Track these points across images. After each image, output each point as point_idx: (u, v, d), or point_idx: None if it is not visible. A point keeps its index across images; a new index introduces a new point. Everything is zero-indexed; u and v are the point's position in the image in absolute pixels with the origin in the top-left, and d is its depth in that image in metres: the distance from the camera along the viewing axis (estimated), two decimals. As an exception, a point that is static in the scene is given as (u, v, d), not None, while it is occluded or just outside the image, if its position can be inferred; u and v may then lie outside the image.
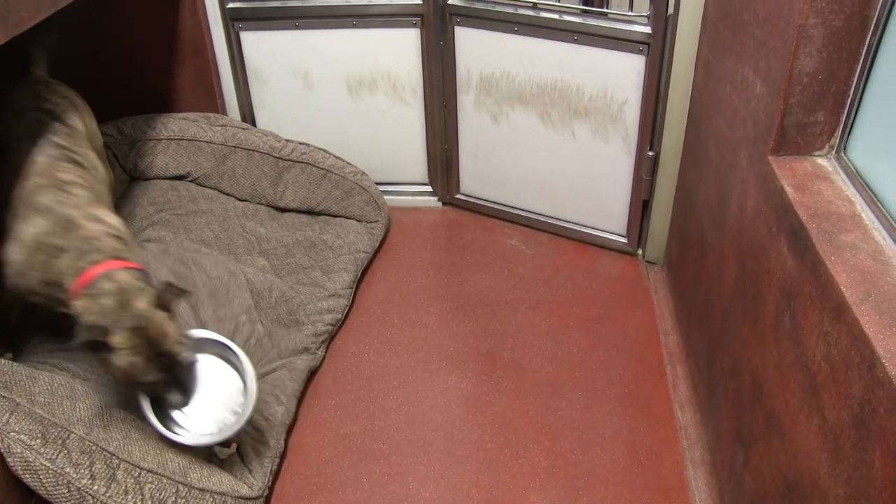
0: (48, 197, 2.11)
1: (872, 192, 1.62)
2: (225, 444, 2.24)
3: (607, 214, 3.29)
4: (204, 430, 2.15)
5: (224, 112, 3.53)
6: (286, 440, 2.42)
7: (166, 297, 2.02)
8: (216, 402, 2.19)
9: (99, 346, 1.89)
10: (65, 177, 2.20)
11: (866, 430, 1.26)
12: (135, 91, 3.42)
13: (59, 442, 1.93)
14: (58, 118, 2.43)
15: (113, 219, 2.20)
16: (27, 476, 1.88)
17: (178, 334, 2.02)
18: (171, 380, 2.04)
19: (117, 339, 1.88)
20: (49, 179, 2.17)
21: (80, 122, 2.52)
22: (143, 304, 1.95)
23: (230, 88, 3.50)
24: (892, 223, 1.52)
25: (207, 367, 2.25)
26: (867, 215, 1.60)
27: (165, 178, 3.37)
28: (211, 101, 3.48)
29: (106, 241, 2.08)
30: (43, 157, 2.23)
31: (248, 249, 3.09)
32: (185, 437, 2.10)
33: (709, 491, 2.24)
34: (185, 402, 2.12)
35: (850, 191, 1.69)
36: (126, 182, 3.34)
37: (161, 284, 2.03)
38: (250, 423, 2.27)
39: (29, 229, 2.06)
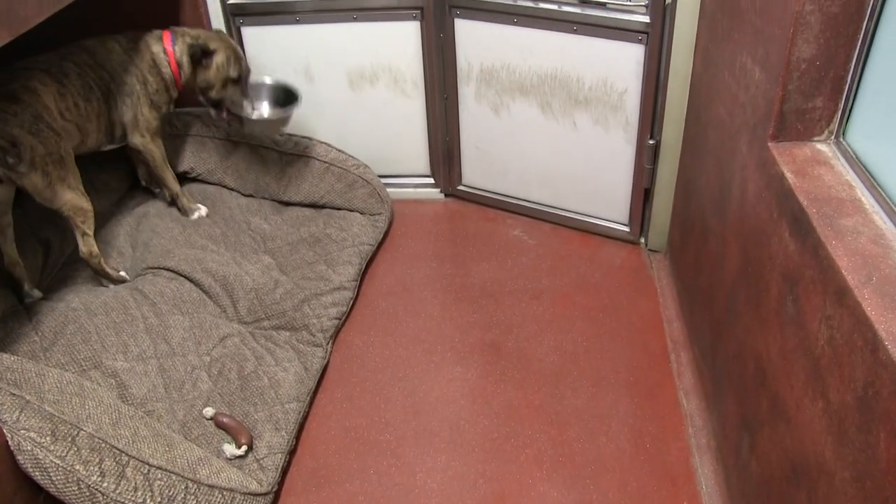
0: None
1: (872, 177, 1.63)
2: (236, 445, 2.27)
3: (609, 203, 3.30)
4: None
5: (226, 108, 3.52)
6: (297, 437, 2.44)
7: None
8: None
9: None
10: None
11: (870, 412, 1.27)
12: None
13: (69, 439, 1.94)
14: None
15: None
16: (37, 474, 1.88)
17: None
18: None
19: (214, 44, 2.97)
20: None
21: None
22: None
23: (232, 84, 3.49)
24: (892, 207, 1.53)
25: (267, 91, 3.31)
26: (867, 199, 1.61)
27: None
28: (213, 96, 3.46)
29: None
30: None
31: (254, 248, 3.11)
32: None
33: (715, 477, 2.25)
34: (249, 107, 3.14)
35: (850, 175, 1.70)
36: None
37: None
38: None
39: None
